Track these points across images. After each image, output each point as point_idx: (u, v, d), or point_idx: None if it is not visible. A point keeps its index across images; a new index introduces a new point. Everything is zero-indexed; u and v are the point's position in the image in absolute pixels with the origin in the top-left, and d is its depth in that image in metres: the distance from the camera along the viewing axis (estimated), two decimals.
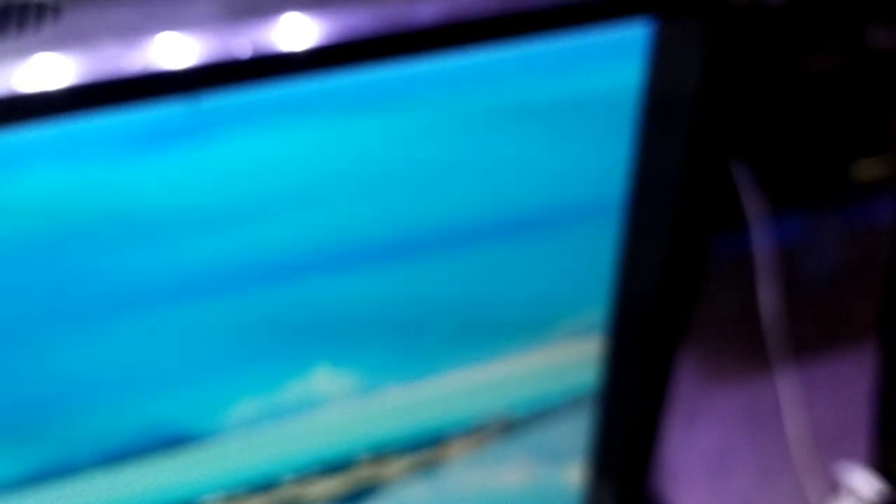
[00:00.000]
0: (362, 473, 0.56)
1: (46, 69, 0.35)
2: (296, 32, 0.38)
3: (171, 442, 0.50)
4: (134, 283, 0.44)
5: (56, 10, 0.37)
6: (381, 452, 0.56)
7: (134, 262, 0.43)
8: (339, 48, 0.39)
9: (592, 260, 0.53)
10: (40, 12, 0.37)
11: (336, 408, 0.53)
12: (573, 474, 0.64)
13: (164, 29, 0.36)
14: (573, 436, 0.61)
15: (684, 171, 0.51)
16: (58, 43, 0.35)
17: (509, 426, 0.59)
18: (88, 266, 0.42)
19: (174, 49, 0.36)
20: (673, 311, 0.56)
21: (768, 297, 0.83)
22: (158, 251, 0.43)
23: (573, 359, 0.57)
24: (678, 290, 0.55)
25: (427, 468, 0.58)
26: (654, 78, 0.47)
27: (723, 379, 0.98)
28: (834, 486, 0.86)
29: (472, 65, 0.43)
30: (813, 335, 0.99)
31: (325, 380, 0.51)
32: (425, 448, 0.57)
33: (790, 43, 0.71)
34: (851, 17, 0.70)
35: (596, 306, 0.55)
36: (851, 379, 1.01)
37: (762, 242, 0.81)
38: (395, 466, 0.57)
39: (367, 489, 0.57)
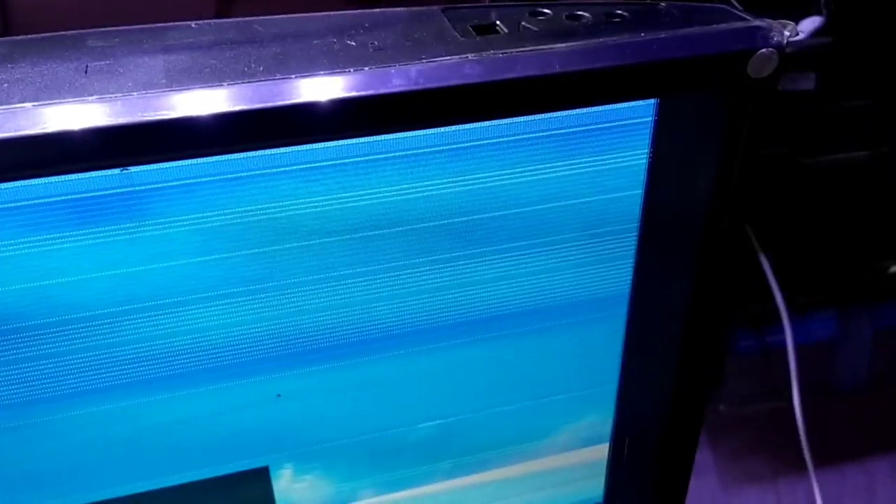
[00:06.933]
0: None
1: None
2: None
3: None
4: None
5: None
6: None
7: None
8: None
9: (598, 359, 0.49)
10: None
11: None
12: None
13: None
14: None
15: (699, 259, 0.47)
16: None
17: None
18: None
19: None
20: (686, 413, 0.52)
21: (799, 397, 0.79)
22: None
23: (577, 471, 0.53)
24: (692, 393, 0.51)
25: None
26: (664, 155, 0.43)
27: (753, 481, 0.93)
28: None
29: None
30: (848, 437, 0.94)
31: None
32: None
33: (821, 129, 0.69)
34: (885, 103, 0.67)
35: (602, 410, 0.51)
36: (889, 484, 0.97)
37: (792, 339, 0.78)
38: None
39: None
